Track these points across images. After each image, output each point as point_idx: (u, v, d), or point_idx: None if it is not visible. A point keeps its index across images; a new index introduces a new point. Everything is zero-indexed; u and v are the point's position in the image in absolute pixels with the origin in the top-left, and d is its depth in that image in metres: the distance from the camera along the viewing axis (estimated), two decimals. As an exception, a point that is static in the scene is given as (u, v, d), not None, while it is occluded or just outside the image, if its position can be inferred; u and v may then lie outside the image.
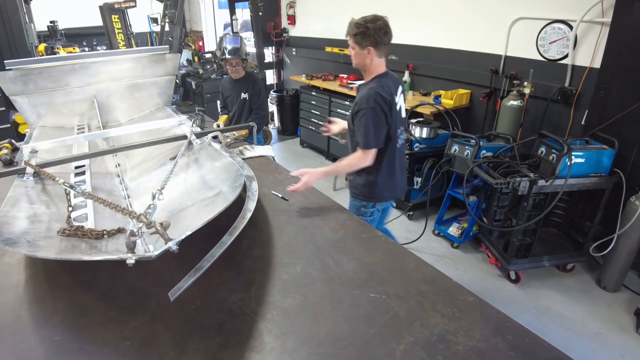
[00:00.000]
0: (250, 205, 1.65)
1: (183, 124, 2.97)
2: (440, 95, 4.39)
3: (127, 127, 3.07)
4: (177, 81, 6.57)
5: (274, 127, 7.21)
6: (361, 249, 1.77)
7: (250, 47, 7.70)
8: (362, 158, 2.33)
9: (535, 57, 3.89)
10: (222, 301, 1.46)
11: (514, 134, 3.75)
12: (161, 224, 1.20)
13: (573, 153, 2.90)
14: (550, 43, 3.77)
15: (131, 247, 1.17)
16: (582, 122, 3.62)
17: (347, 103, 5.30)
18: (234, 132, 3.10)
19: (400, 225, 4.21)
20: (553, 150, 3.03)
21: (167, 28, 6.07)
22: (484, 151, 3.45)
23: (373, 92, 2.23)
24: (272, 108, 7.12)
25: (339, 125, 2.81)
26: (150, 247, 1.20)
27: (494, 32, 4.16)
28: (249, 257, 1.73)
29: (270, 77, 7.25)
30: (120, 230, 1.76)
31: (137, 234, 1.17)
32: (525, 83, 3.73)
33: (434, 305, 1.47)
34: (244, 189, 1.83)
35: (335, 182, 5.03)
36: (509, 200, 3.47)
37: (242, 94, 3.72)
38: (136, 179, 2.66)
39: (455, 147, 3.56)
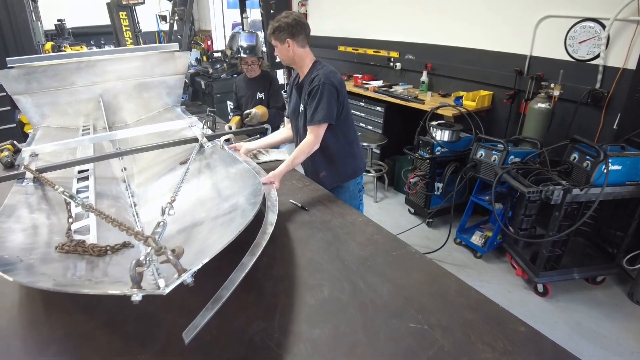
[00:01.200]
0: (272, 218, 1.47)
1: (194, 126, 2.80)
2: (461, 97, 4.19)
3: (135, 129, 2.90)
4: (186, 81, 6.41)
5: (282, 125, 7.02)
6: (395, 269, 1.59)
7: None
8: (312, 138, 2.26)
9: (563, 58, 3.68)
10: (242, 331, 1.28)
11: (541, 138, 3.54)
12: (173, 250, 1.02)
13: (610, 160, 2.70)
14: (580, 42, 3.56)
15: (137, 281, 0.99)
16: (614, 127, 3.41)
17: (362, 104, 5.11)
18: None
19: (419, 233, 4.02)
20: (587, 157, 2.83)
21: (175, 27, 5.92)
22: (511, 157, 3.25)
23: (323, 71, 2.24)
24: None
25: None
26: (161, 282, 1.01)
27: (518, 31, 3.96)
28: (270, 277, 1.55)
29: (282, 77, 7.08)
30: (125, 245, 1.59)
31: (144, 262, 0.99)
32: (554, 85, 3.52)
33: (482, 336, 1.29)
34: (263, 199, 1.65)
35: (376, 194, 4.84)
36: (537, 209, 3.27)
37: (258, 93, 3.55)
38: (144, 185, 2.49)
39: (481, 152, 3.37)
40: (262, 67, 3.62)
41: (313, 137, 2.27)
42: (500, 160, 3.20)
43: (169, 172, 2.46)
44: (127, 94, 3.70)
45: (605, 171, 2.68)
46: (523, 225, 3.30)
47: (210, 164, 2.47)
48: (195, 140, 2.65)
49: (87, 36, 8.64)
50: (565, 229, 2.94)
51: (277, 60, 6.87)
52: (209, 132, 2.77)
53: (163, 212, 1.42)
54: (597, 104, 3.49)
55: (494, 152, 3.28)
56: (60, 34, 7.78)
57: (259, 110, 3.37)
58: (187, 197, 2.06)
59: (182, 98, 4.92)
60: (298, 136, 2.52)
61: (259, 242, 1.32)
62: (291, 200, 2.09)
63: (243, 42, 3.49)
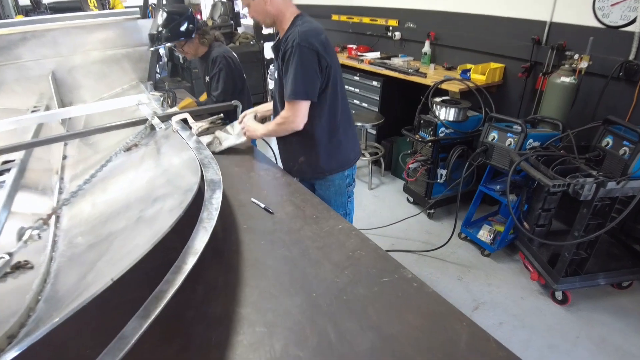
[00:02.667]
0: (198, 245, 0.99)
1: (143, 104, 2.30)
2: (468, 70, 3.65)
3: (71, 108, 2.42)
4: (165, 55, 5.84)
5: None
6: (382, 306, 1.11)
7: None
8: (288, 115, 1.83)
9: (591, 24, 3.12)
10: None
11: (563, 118, 3.02)
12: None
13: (655, 146, 2.20)
14: (612, 5, 3.00)
15: None
16: (651, 106, 2.90)
17: (356, 78, 4.57)
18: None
19: (418, 225, 3.54)
20: (625, 142, 2.33)
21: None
22: (530, 140, 2.74)
23: (300, 29, 1.74)
24: (272, 85, 6.38)
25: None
26: None
27: (537, -8, 3.40)
28: (203, 318, 1.08)
29: (270, 51, 6.48)
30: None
31: None
32: (580, 56, 2.97)
33: None
34: (200, 203, 1.17)
35: (370, 181, 4.32)
36: (556, 202, 2.79)
37: (206, 76, 2.91)
38: (80, 177, 2.02)
39: (493, 135, 2.85)
40: (207, 42, 2.84)
41: (289, 114, 1.82)
42: (516, 145, 2.69)
43: (114, 160, 1.98)
44: (84, 69, 3.23)
45: (648, 160, 2.18)
46: (540, 221, 2.83)
47: (160, 151, 2.00)
48: (145, 121, 2.16)
49: (68, 11, 8.00)
50: (593, 228, 2.46)
51: (264, 32, 6.33)
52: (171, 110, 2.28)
53: (20, 237, 0.94)
54: (630, 78, 2.95)
55: (509, 134, 2.76)
56: (36, 9, 7.18)
57: (185, 103, 2.77)
58: (118, 193, 1.61)
59: (160, 74, 4.39)
60: (275, 108, 2.05)
61: (164, 289, 0.85)
62: (253, 199, 1.60)
63: (151, 28, 2.71)
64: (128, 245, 1.12)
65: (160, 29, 2.60)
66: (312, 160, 2.02)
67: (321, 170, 2.04)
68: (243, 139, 2.11)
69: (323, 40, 1.77)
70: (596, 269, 2.68)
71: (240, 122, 2.18)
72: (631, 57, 2.94)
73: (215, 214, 1.14)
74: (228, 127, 2.22)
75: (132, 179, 1.71)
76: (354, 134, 2.12)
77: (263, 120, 2.23)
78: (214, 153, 2.04)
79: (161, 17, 2.62)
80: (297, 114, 1.81)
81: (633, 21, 2.91)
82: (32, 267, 1.27)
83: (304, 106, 1.80)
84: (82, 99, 3.17)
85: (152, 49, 2.76)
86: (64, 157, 2.35)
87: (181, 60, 5.53)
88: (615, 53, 3.00)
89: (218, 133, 2.17)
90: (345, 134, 2.01)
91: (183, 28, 2.63)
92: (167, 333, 1.03)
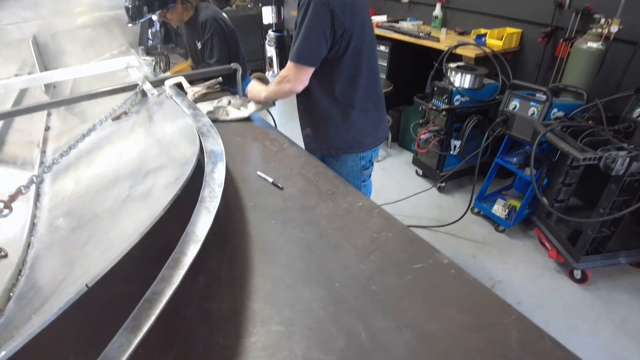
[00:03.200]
0: (200, 230, 0.81)
1: (132, 67, 2.07)
2: (484, 35, 3.41)
3: (54, 72, 2.18)
4: (157, 21, 5.50)
5: (272, 74, 6.19)
6: (417, 298, 0.94)
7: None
8: (286, 74, 1.66)
9: (621, -17, 2.87)
10: None
11: (587, 87, 2.81)
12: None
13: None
14: (646, -39, 2.74)
15: None
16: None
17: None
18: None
19: (428, 200, 3.37)
20: (660, 112, 2.14)
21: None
22: (554, 110, 2.54)
23: None
24: (271, 51, 6.08)
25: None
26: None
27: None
28: (206, 317, 0.91)
29: (269, 14, 6.15)
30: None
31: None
32: (608, 20, 2.73)
33: None
34: (200, 178, 0.99)
35: None
36: (578, 177, 2.62)
37: (197, 42, 2.63)
38: (62, 150, 1.83)
39: (515, 103, 2.64)
40: (191, 6, 2.57)
41: (287, 74, 1.65)
42: (540, 115, 2.49)
43: (96, 130, 1.78)
44: (69, 34, 2.97)
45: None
46: (560, 196, 2.67)
47: (153, 119, 1.79)
48: (136, 86, 1.94)
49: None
50: (619, 205, 2.30)
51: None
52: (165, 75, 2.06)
53: None
54: (662, 45, 2.73)
55: (532, 103, 2.55)
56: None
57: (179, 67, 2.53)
58: (105, 167, 1.42)
59: (153, 41, 4.13)
60: None
61: (160, 287, 0.67)
62: (259, 173, 1.41)
63: (126, 2, 2.40)
64: (115, 230, 0.93)
65: (136, 2, 2.33)
66: (319, 134, 1.84)
67: (327, 147, 1.85)
68: (253, 108, 1.91)
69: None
70: (618, 247, 2.54)
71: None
72: (664, 21, 2.71)
73: (219, 192, 0.95)
74: (233, 98, 2.02)
75: (121, 150, 1.51)
76: (378, 117, 1.88)
77: None
78: (216, 121, 1.85)
79: None
80: (296, 77, 1.64)
81: (669, -21, 2.66)
82: (5, 256, 1.09)
83: (305, 71, 1.62)
84: (68, 66, 2.93)
85: (130, 24, 2.49)
86: (47, 129, 2.15)
87: (175, 26, 5.23)
88: (645, 16, 2.76)
89: (229, 107, 1.96)
90: (364, 114, 1.78)
91: None
92: (164, 336, 0.86)
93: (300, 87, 1.67)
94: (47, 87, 2.59)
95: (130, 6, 2.37)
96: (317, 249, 1.08)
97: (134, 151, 1.44)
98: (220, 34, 2.52)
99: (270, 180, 1.36)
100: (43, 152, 1.84)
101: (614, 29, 2.68)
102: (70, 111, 2.27)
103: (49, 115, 2.28)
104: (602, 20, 2.76)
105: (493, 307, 0.93)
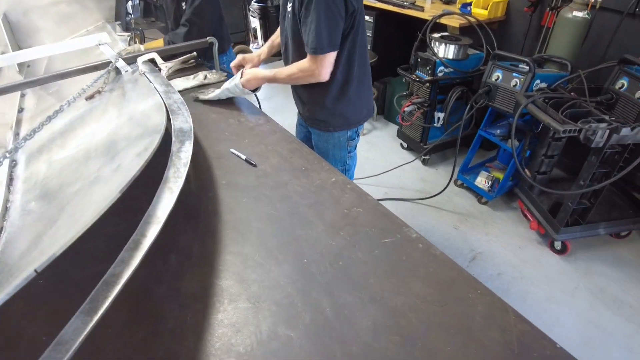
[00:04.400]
0: (161, 211, 0.80)
1: (104, 44, 2.01)
2: (469, 4, 3.35)
3: (22, 51, 2.10)
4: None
5: (257, 45, 6.05)
6: (385, 273, 0.96)
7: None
8: (312, 69, 1.56)
9: (608, -51, 2.81)
10: None
11: (572, 58, 2.79)
12: None
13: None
14: None
15: None
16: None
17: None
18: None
19: (412, 172, 3.38)
20: (642, 83, 2.14)
21: None
22: (537, 81, 2.52)
23: None
24: (255, 23, 5.93)
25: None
26: None
27: None
28: (176, 296, 0.92)
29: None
30: None
31: None
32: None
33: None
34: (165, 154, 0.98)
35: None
36: (560, 149, 2.63)
37: (182, 3, 2.49)
38: (38, 132, 1.79)
39: (497, 74, 2.62)
40: None
41: (313, 67, 1.56)
42: (522, 86, 2.48)
43: (63, 111, 1.75)
44: (42, 10, 2.85)
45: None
46: (542, 168, 2.67)
47: (127, 96, 1.75)
48: (107, 64, 1.90)
49: None
50: (599, 177, 2.32)
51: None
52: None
53: None
54: (646, 14, 2.71)
55: (514, 74, 2.53)
56: None
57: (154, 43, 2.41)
58: (73, 153, 1.40)
59: (132, 15, 4.00)
60: (285, 48, 1.77)
61: (119, 269, 0.67)
62: (232, 150, 1.40)
63: None
64: (78, 213, 0.93)
65: None
66: (316, 111, 1.79)
67: (324, 125, 1.81)
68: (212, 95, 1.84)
69: None
70: (597, 218, 2.57)
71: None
72: (649, -11, 2.67)
73: (183, 172, 0.94)
74: (214, 75, 1.98)
75: (93, 131, 1.48)
76: (368, 90, 1.86)
77: None
78: (197, 100, 1.82)
79: None
80: (323, 66, 1.55)
81: (656, -55, 2.61)
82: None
83: (330, 58, 1.55)
84: (42, 44, 2.84)
85: None
86: (20, 110, 2.09)
87: None
88: (631, -15, 2.72)
89: (202, 75, 1.91)
90: (358, 90, 1.75)
91: None
92: (134, 314, 0.87)
93: (328, 75, 1.60)
94: (21, 66, 2.51)
95: None
96: (288, 226, 1.09)
97: (105, 131, 1.41)
98: None
99: (244, 157, 1.35)
100: (16, 134, 1.80)
101: (599, -4, 2.64)
102: (45, 91, 2.21)
103: (22, 96, 2.22)
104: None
105: (459, 282, 0.95)
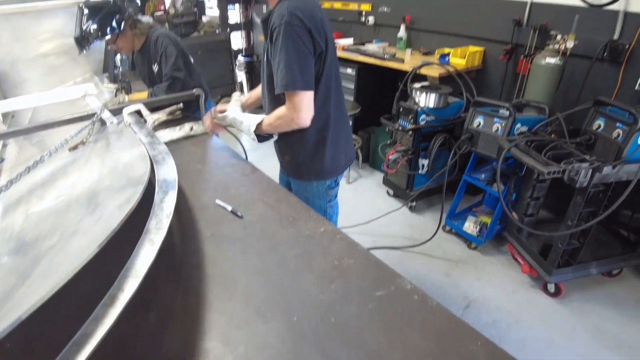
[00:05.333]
0: (140, 264, 0.76)
1: (90, 95, 2.01)
2: (447, 54, 3.48)
3: (8, 100, 2.09)
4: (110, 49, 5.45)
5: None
6: (380, 328, 0.90)
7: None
8: (291, 114, 1.52)
9: (574, 3, 2.99)
10: None
11: (549, 102, 2.89)
12: None
13: (649, 127, 2.07)
14: (595, -18, 2.88)
15: None
16: (637, 87, 2.78)
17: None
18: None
19: (400, 219, 3.36)
20: (618, 124, 2.20)
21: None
22: (518, 125, 2.58)
23: (287, 5, 1.43)
24: (241, 77, 6.08)
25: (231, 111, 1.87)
26: None
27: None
28: (156, 356, 0.84)
29: (238, 40, 6.17)
30: None
31: None
32: (564, 36, 2.83)
33: None
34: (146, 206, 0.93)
35: (349, 174, 4.09)
36: (545, 190, 2.65)
37: (153, 66, 2.54)
38: (16, 184, 1.74)
39: (479, 120, 2.68)
40: (140, 33, 2.51)
41: (288, 110, 1.53)
42: (504, 131, 2.53)
43: (43, 161, 1.70)
44: (30, 62, 2.87)
45: (643, 142, 2.06)
46: (529, 210, 2.69)
47: (110, 147, 1.73)
48: (91, 115, 1.88)
49: None
50: (586, 216, 2.33)
51: (230, 22, 5.98)
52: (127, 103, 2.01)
53: None
54: (615, 59, 2.84)
55: (496, 119, 2.59)
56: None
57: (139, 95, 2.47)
58: (52, 205, 1.34)
59: (121, 68, 4.06)
60: (264, 98, 1.75)
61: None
62: (218, 201, 1.36)
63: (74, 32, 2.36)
64: (53, 268, 0.87)
65: (84, 27, 2.29)
66: (294, 160, 1.75)
67: (303, 175, 1.78)
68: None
69: (317, 19, 1.46)
70: (588, 258, 2.56)
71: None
72: (615, 37, 2.83)
73: (166, 223, 0.90)
74: (200, 126, 1.98)
75: (74, 182, 1.43)
76: (347, 136, 1.83)
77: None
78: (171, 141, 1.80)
79: (81, 13, 2.31)
80: (300, 108, 1.49)
81: (617, -1, 2.79)
82: None
83: (306, 97, 1.49)
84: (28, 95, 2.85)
85: (81, 53, 2.45)
86: (1, 160, 2.05)
87: (126, 54, 5.17)
88: (599, 33, 2.88)
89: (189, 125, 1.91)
90: (336, 136, 1.72)
91: (108, 21, 2.33)
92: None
93: (309, 119, 1.54)
94: (5, 116, 2.48)
95: (77, 36, 2.33)
96: (276, 279, 1.03)
97: (87, 183, 1.37)
98: (174, 46, 2.45)
99: (230, 208, 1.31)
100: None
101: (570, 44, 2.78)
102: (29, 141, 2.17)
103: (4, 146, 2.18)
104: (559, 37, 2.87)
105: (458, 333, 0.90)
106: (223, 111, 1.87)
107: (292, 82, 1.44)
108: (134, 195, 0.93)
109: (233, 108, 1.84)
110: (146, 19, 2.60)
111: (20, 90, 2.81)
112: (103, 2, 2.36)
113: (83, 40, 2.34)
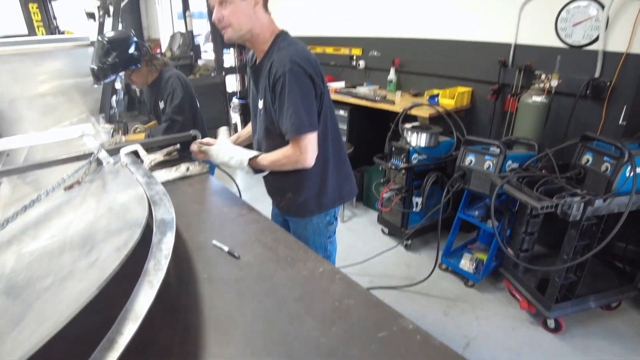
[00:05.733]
0: (140, 306, 0.75)
1: (88, 135, 2.02)
2: (436, 95, 3.59)
3: (5, 139, 2.09)
4: (122, 89, 5.54)
5: (237, 139, 6.25)
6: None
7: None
8: (297, 155, 1.56)
9: (555, 44, 3.14)
10: None
11: (537, 138, 2.96)
12: None
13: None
14: (574, 25, 3.02)
15: None
16: (620, 121, 2.88)
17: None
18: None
19: (396, 258, 3.33)
20: (606, 158, 2.25)
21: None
22: (509, 162, 2.63)
23: (288, 52, 1.50)
24: (236, 118, 6.17)
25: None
26: None
27: (499, 17, 3.41)
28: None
29: (233, 83, 6.31)
30: None
31: None
32: (548, 75, 2.95)
33: None
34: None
35: (343, 213, 4.08)
36: (539, 225, 2.67)
37: (160, 102, 2.61)
38: (10, 223, 1.71)
39: (470, 158, 2.73)
40: (155, 69, 2.59)
41: (296, 152, 1.56)
42: (496, 168, 2.58)
43: (40, 200, 1.69)
44: (28, 101, 2.91)
45: (632, 174, 2.10)
46: (524, 246, 2.70)
47: (107, 188, 1.72)
48: (88, 155, 1.89)
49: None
50: (581, 249, 2.34)
51: (226, 65, 6.16)
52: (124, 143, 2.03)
53: None
54: (598, 95, 2.96)
55: (487, 157, 2.64)
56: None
57: (136, 136, 2.51)
58: (46, 244, 1.32)
59: (116, 109, 4.12)
60: (257, 141, 1.79)
61: None
62: (214, 242, 1.35)
63: (92, 63, 2.43)
64: (47, 312, 0.85)
65: (102, 60, 2.36)
66: (294, 197, 1.76)
67: (303, 211, 1.78)
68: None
69: (314, 63, 1.54)
70: (585, 291, 2.55)
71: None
72: (596, 75, 2.96)
73: (164, 264, 0.89)
74: (196, 166, 1.99)
75: (69, 222, 1.42)
76: (347, 168, 1.86)
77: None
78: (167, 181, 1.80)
79: (102, 47, 2.39)
80: (307, 150, 1.55)
81: (596, 39, 2.94)
82: None
83: (312, 140, 1.55)
84: (25, 133, 2.86)
85: (96, 85, 2.51)
86: (-7, 200, 2.02)
87: (138, 93, 5.25)
88: (581, 71, 3.01)
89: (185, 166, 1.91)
90: (335, 169, 1.76)
91: (128, 56, 2.40)
92: None
93: (313, 158, 1.58)
94: (0, 154, 2.49)
95: (95, 67, 2.40)
96: (275, 323, 1.01)
97: (82, 223, 1.36)
98: (183, 88, 2.54)
99: (226, 249, 1.30)
100: None
101: (554, 83, 2.89)
102: (23, 180, 2.16)
103: None
104: (543, 76, 2.99)
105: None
106: (210, 144, 1.86)
107: (302, 127, 1.49)
108: (132, 238, 0.92)
109: (222, 143, 1.85)
110: (161, 57, 2.69)
111: (16, 129, 2.82)
112: (124, 37, 2.44)
113: (100, 73, 2.40)
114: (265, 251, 1.31)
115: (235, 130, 6.30)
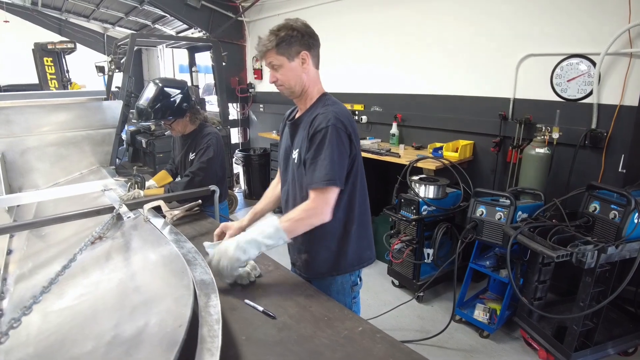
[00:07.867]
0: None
1: (109, 190, 2.05)
2: (440, 148, 3.70)
3: (23, 194, 2.12)
4: (126, 140, 5.63)
5: (239, 190, 6.30)
6: None
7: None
8: (317, 206, 1.54)
9: (552, 98, 3.30)
10: None
11: (542, 188, 3.05)
12: None
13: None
14: (568, 81, 3.20)
15: None
16: (620, 169, 2.99)
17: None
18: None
19: (409, 312, 3.28)
20: (613, 206, 2.32)
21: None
22: (519, 212, 2.69)
23: (334, 109, 1.58)
24: (238, 169, 6.26)
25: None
26: None
27: (498, 73, 3.61)
28: None
29: (235, 135, 6.47)
30: None
31: None
32: (548, 128, 3.09)
33: None
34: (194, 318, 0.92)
35: None
36: (551, 273, 2.69)
37: (190, 153, 2.62)
38: (28, 278, 1.69)
39: (481, 210, 2.78)
40: (197, 121, 2.66)
41: (318, 204, 1.54)
42: (507, 218, 2.62)
43: (76, 260, 1.68)
44: (39, 151, 2.97)
45: (639, 221, 2.17)
46: (538, 294, 2.70)
47: (129, 244, 1.73)
48: (111, 209, 1.91)
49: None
50: (596, 296, 2.35)
51: (230, 118, 6.34)
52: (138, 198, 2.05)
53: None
54: (596, 145, 3.08)
55: (497, 208, 2.70)
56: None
57: (155, 180, 2.58)
58: (74, 304, 1.31)
59: (121, 159, 4.17)
60: (285, 192, 1.81)
61: None
62: (247, 301, 1.35)
63: (140, 100, 2.50)
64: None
65: (152, 103, 2.42)
66: (317, 256, 1.72)
67: (327, 270, 1.74)
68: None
69: (354, 125, 1.62)
70: (602, 338, 2.54)
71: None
72: (593, 126, 3.10)
73: (218, 330, 0.90)
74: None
75: (97, 280, 1.41)
76: (370, 234, 1.84)
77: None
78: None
79: (155, 90, 2.45)
80: (329, 203, 1.53)
81: (590, 94, 3.10)
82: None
83: (334, 194, 1.55)
84: (35, 184, 2.86)
85: (142, 123, 2.56)
86: (9, 252, 1.99)
87: (143, 145, 5.31)
88: (579, 123, 3.15)
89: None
90: (359, 229, 1.73)
91: (177, 106, 2.47)
92: None
93: (331, 213, 1.56)
94: (10, 206, 2.48)
95: (143, 107, 2.45)
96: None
97: (113, 281, 1.35)
98: (216, 148, 2.58)
99: (261, 308, 1.30)
100: (4, 279, 1.67)
101: (555, 135, 3.02)
102: (35, 232, 2.14)
103: (11, 237, 2.14)
104: (544, 129, 3.12)
105: None
106: (220, 236, 1.75)
107: (332, 179, 1.51)
108: (185, 303, 0.92)
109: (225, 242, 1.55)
110: (204, 112, 2.75)
111: (25, 179, 2.85)
112: (178, 87, 2.52)
113: (146, 114, 2.45)
114: (300, 310, 1.31)
115: (237, 181, 6.36)
